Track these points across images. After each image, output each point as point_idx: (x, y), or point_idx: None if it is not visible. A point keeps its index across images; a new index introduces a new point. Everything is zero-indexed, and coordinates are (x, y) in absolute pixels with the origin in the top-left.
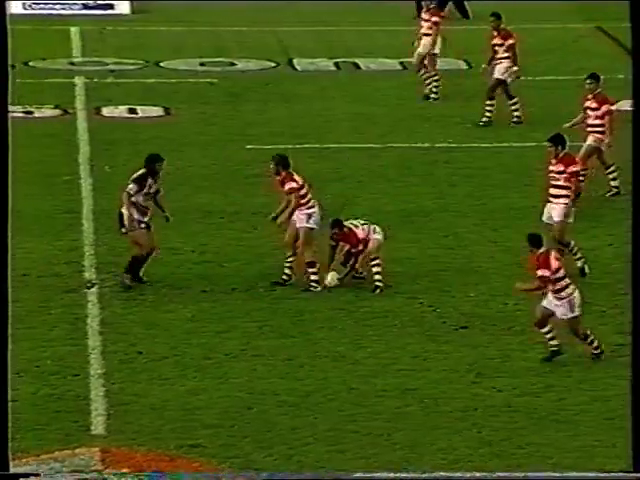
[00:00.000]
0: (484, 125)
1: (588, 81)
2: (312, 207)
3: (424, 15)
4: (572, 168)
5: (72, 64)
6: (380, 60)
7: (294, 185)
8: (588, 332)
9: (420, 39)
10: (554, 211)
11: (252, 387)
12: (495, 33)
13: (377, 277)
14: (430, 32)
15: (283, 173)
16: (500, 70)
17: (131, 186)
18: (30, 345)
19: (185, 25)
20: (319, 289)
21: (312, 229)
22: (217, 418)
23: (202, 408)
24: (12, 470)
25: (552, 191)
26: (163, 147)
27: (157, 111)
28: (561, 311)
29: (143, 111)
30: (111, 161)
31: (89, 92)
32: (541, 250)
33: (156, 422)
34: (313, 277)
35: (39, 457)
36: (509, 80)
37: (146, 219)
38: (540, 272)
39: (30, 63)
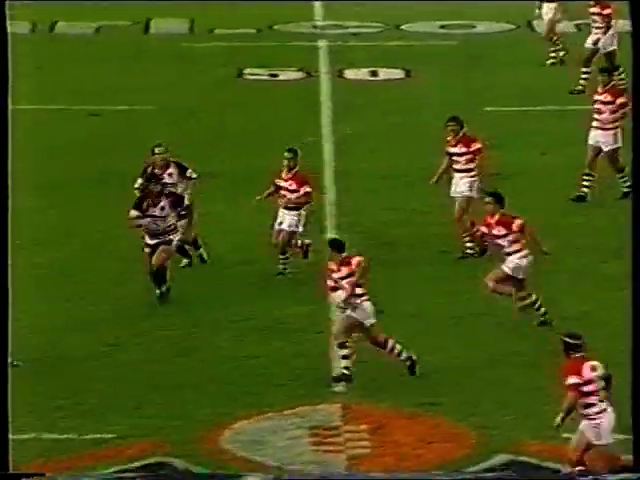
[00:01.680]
0: (578, 93)
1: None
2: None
3: None
4: None
5: (315, 27)
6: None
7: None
8: (389, 340)
9: (541, 7)
10: None
11: (494, 346)
12: (593, 2)
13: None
14: None
15: (461, 133)
16: (594, 39)
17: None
18: (276, 304)
19: None
20: None
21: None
22: (457, 376)
23: (441, 366)
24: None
25: None
26: (403, 109)
27: (398, 73)
28: (362, 315)
29: (384, 73)
30: (353, 124)
31: (332, 55)
32: (343, 255)
33: (396, 379)
34: None
35: (282, 413)
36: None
37: (154, 241)
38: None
39: (275, 27)
